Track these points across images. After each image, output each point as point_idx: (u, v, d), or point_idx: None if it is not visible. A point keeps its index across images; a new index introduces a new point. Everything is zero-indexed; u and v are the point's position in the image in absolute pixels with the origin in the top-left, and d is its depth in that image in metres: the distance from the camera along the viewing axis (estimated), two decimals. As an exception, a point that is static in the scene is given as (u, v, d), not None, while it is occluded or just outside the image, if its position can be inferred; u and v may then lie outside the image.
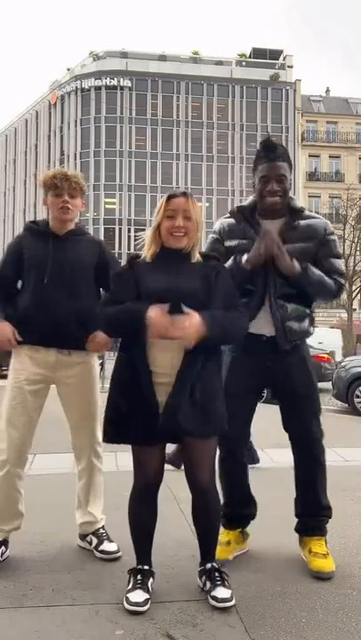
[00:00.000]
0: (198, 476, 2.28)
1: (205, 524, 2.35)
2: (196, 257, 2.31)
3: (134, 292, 2.24)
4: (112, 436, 2.28)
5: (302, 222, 2.58)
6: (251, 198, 2.71)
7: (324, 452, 2.66)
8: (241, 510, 2.74)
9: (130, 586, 2.25)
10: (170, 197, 2.29)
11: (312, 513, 2.65)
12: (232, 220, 2.67)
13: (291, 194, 2.64)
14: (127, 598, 2.19)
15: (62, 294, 2.58)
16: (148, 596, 2.20)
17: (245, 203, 2.71)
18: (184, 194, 2.30)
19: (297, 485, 2.69)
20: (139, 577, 2.26)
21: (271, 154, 2.52)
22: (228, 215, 2.72)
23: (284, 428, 2.70)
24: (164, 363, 2.18)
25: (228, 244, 2.62)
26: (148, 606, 2.17)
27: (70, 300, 2.59)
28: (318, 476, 2.64)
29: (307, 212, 2.65)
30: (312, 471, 2.64)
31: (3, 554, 2.61)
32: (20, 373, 2.63)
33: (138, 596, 2.19)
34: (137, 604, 2.15)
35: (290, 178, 2.57)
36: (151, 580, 2.29)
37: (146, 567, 2.30)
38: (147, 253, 2.32)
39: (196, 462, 2.28)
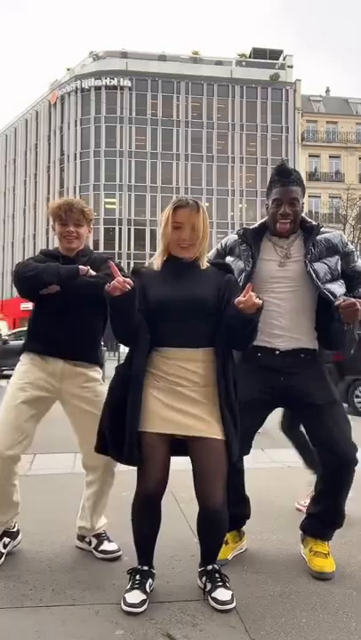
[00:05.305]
0: (211, 494, 2.22)
1: (212, 538, 2.32)
2: (205, 265, 2.36)
3: (141, 301, 2.27)
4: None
5: (319, 237, 2.63)
6: (261, 221, 2.78)
7: (357, 463, 2.53)
8: (236, 511, 2.72)
9: (128, 586, 2.25)
10: (176, 208, 2.29)
11: (328, 521, 2.60)
12: (236, 238, 2.75)
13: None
14: (124, 599, 2.19)
15: (69, 310, 2.62)
16: (144, 597, 2.20)
17: (254, 225, 2.78)
18: (189, 203, 2.30)
19: (321, 491, 2.61)
20: (137, 577, 2.26)
21: (284, 179, 2.60)
22: (236, 232, 2.80)
23: (312, 443, 2.63)
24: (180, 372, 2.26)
25: (227, 259, 2.70)
26: (144, 607, 2.17)
27: (78, 315, 2.63)
28: (346, 488, 2.54)
29: (321, 227, 2.70)
30: (347, 482, 2.52)
31: (5, 545, 2.63)
32: (25, 376, 2.64)
33: (135, 596, 2.19)
34: (133, 605, 2.16)
35: (302, 201, 2.65)
36: (150, 580, 2.29)
37: (145, 568, 2.29)
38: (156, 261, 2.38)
39: (208, 479, 2.23)
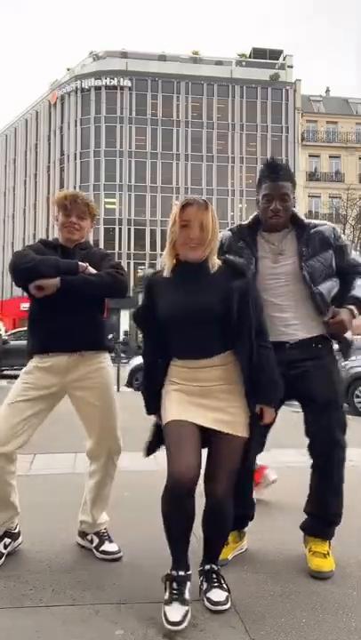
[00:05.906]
0: (218, 484, 2.22)
1: (216, 533, 2.30)
2: (216, 265, 2.28)
3: (153, 314, 2.29)
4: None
5: (312, 232, 2.63)
6: (252, 216, 2.76)
7: (345, 460, 2.58)
8: (240, 512, 2.71)
9: (166, 596, 2.11)
10: (184, 206, 2.23)
11: (323, 519, 2.62)
12: (230, 235, 2.73)
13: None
14: (165, 615, 2.05)
15: (68, 302, 2.59)
16: (186, 609, 2.06)
17: (247, 221, 2.77)
18: (197, 202, 2.23)
19: (312, 488, 2.64)
20: (175, 585, 2.12)
21: (274, 174, 2.59)
22: (229, 229, 2.77)
23: (305, 433, 2.63)
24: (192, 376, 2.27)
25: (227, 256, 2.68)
26: (187, 622, 2.04)
27: (76, 307, 2.61)
28: (336, 484, 2.58)
29: (312, 222, 2.69)
30: (330, 479, 2.57)
31: (6, 546, 2.63)
32: (27, 377, 2.64)
33: (176, 612, 2.04)
34: (174, 624, 2.02)
35: (293, 196, 2.65)
36: (189, 584, 2.15)
37: (181, 573, 2.14)
38: (165, 266, 2.32)
39: (216, 471, 2.23)
